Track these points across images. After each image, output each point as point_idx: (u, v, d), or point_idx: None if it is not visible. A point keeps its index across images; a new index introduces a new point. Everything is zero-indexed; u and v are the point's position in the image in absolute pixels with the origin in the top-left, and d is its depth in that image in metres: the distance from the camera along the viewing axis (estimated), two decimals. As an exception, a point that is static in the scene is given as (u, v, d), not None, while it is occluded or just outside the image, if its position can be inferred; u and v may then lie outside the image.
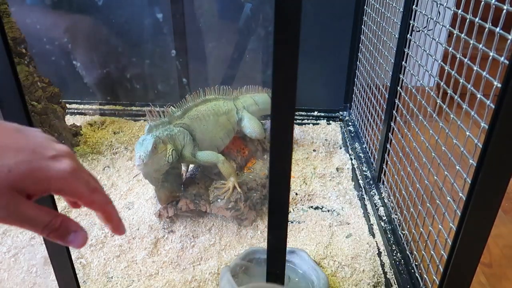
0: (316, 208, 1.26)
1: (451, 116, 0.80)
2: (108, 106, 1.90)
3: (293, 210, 1.24)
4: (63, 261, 0.65)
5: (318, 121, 1.83)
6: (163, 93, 1.91)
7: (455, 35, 0.80)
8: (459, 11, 0.78)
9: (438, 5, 0.89)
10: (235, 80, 1.84)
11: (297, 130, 1.75)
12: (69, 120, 1.70)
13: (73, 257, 0.68)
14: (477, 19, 0.71)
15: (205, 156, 1.13)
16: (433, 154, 0.89)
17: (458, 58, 0.79)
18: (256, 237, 1.13)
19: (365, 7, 1.53)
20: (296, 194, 1.31)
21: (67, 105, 1.63)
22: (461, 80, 0.78)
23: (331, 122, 1.82)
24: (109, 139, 1.64)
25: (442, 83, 0.86)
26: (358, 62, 1.67)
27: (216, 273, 1.01)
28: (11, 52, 0.48)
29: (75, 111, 1.87)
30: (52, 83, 1.52)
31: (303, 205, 1.27)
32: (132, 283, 0.99)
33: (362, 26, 1.58)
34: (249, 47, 1.80)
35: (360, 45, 1.63)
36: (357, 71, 1.69)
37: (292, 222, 1.19)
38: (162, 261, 1.05)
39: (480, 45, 0.70)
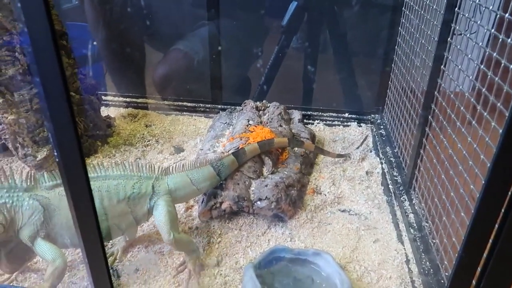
0: (344, 211, 1.24)
1: (492, 123, 0.77)
2: (141, 99, 1.94)
3: (321, 211, 1.23)
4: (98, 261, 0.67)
5: (348, 123, 1.80)
6: (195, 89, 1.93)
7: (500, 39, 0.77)
8: (506, 15, 0.75)
9: (484, 9, 0.86)
10: (274, 81, 1.83)
11: (327, 132, 1.74)
12: (104, 111, 1.75)
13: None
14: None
15: (42, 248, 0.86)
16: (470, 162, 0.86)
17: (502, 64, 0.76)
18: (284, 237, 1.13)
19: (403, 8, 1.50)
20: (325, 195, 1.30)
21: (102, 97, 1.68)
22: (505, 87, 0.75)
23: (362, 124, 1.79)
24: (141, 132, 1.67)
25: (483, 89, 0.83)
26: (393, 65, 1.63)
27: (240, 268, 1.02)
28: (58, 45, 0.50)
29: (110, 103, 1.92)
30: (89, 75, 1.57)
31: (331, 207, 1.25)
32: (158, 273, 1.01)
33: (399, 28, 1.54)
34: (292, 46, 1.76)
35: (396, 47, 1.59)
36: (391, 74, 1.66)
37: (318, 224, 1.18)
38: (188, 254, 1.06)
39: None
